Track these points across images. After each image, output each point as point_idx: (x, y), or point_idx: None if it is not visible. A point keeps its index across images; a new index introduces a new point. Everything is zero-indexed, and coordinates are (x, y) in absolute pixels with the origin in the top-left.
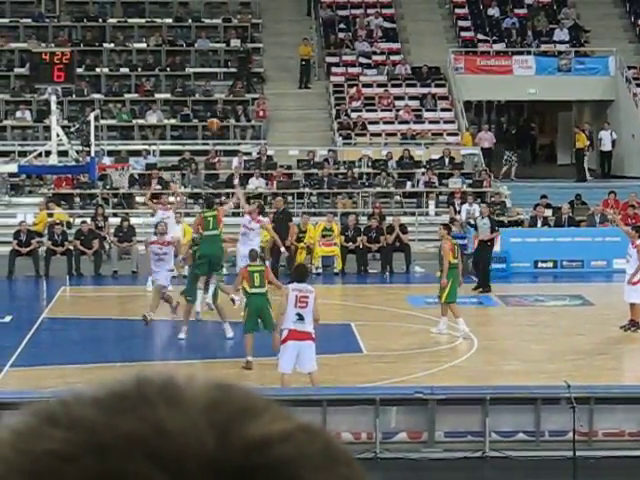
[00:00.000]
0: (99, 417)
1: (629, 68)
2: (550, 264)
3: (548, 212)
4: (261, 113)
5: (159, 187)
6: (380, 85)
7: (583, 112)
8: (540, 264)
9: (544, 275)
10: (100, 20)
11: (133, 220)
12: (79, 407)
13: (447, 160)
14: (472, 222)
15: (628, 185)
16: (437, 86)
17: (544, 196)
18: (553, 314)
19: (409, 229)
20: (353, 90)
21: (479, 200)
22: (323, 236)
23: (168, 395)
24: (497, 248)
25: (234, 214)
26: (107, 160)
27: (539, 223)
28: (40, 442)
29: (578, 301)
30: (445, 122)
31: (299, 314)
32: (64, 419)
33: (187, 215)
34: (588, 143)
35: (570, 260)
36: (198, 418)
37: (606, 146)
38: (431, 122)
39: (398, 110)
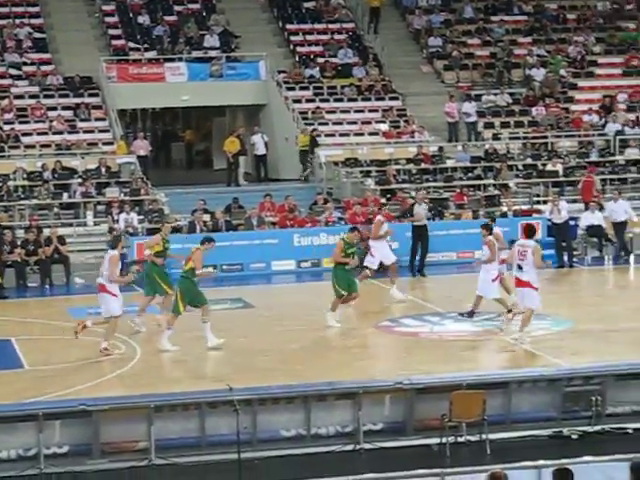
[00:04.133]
0: None
1: (279, 72)
2: (210, 269)
3: (207, 217)
4: None
5: None
6: (32, 96)
7: (237, 117)
8: None
9: (205, 280)
10: None
11: None
12: None
13: (103, 170)
14: (131, 230)
15: (284, 187)
16: (90, 95)
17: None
18: (215, 318)
19: (68, 240)
20: (5, 102)
21: (137, 208)
22: None
23: None
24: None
25: None
26: None
27: (198, 229)
28: None
29: (239, 304)
30: (100, 131)
31: (519, 265)
32: None
33: None
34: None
35: (230, 264)
36: None
37: (260, 150)
38: (86, 132)
39: (52, 121)
